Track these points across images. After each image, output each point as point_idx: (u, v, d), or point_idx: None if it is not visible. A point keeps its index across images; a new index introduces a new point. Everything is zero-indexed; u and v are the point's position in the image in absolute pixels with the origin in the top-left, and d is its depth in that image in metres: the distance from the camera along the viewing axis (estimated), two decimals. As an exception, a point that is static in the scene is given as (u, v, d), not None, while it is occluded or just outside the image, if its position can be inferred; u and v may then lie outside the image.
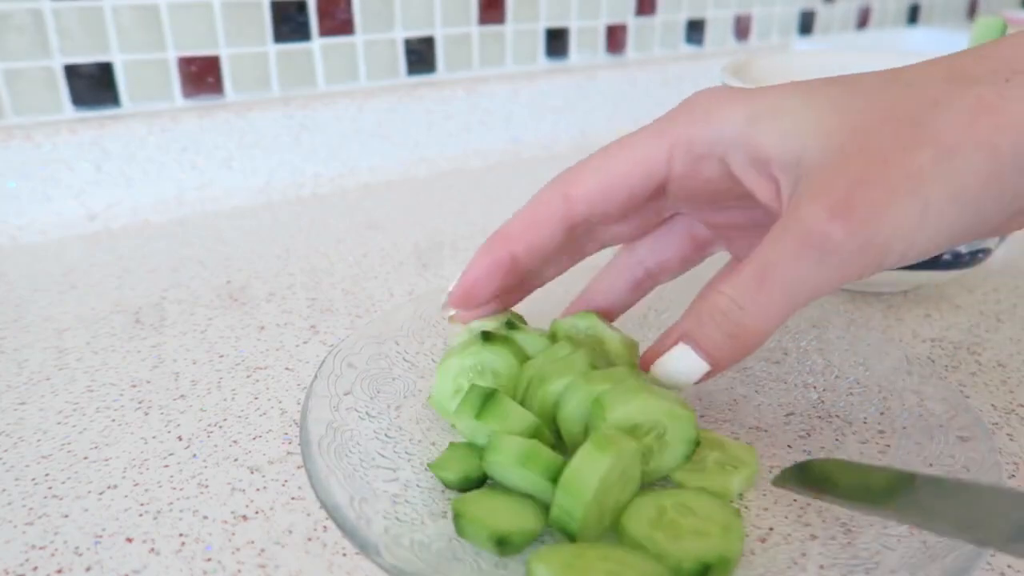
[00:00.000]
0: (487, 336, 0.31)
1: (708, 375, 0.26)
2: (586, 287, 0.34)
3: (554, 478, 0.26)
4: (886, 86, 0.24)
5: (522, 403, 0.30)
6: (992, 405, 0.35)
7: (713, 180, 0.27)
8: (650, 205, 0.30)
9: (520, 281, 0.31)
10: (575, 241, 0.31)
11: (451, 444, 0.30)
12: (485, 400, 0.28)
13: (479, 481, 0.28)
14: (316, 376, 0.31)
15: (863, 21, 1.02)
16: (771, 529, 0.28)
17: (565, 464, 0.26)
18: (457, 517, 0.26)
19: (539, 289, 0.33)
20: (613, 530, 0.26)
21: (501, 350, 0.31)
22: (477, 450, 0.29)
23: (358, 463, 0.29)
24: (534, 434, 0.28)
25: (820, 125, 0.24)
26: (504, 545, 0.25)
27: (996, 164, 0.22)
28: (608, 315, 0.33)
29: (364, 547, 0.24)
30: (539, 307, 0.36)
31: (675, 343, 0.26)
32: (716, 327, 0.25)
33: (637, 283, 0.33)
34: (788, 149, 0.24)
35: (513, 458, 0.26)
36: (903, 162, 0.23)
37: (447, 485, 0.29)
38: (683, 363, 0.26)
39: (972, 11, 1.16)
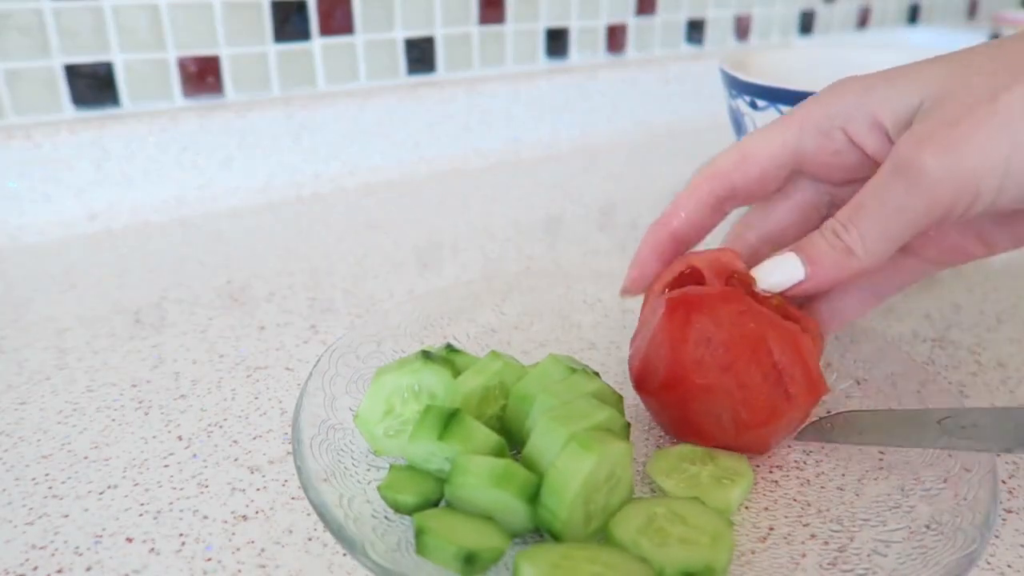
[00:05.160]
0: (427, 355, 0.30)
1: (803, 286, 0.29)
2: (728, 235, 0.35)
3: (529, 497, 0.25)
4: (992, 51, 0.27)
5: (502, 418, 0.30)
6: (992, 405, 0.35)
7: (841, 152, 0.30)
8: (788, 179, 0.32)
9: (676, 250, 0.34)
10: (719, 211, 0.33)
11: (393, 467, 0.28)
12: (448, 420, 0.27)
13: (435, 505, 0.27)
14: (311, 374, 0.31)
15: (863, 21, 1.02)
16: (771, 529, 0.28)
17: (539, 482, 0.25)
18: (420, 533, 0.24)
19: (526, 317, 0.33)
20: (603, 534, 0.26)
21: (441, 370, 0.30)
22: (426, 473, 0.28)
23: (351, 463, 0.29)
24: (498, 454, 0.27)
25: (925, 88, 0.27)
26: (472, 563, 0.24)
27: None
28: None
29: (351, 546, 0.24)
30: (529, 335, 0.35)
31: (784, 254, 0.29)
32: (821, 237, 0.28)
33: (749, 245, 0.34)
34: (898, 110, 0.28)
35: (486, 478, 0.25)
36: (993, 101, 0.25)
37: (400, 510, 0.27)
38: (785, 266, 0.29)
39: (972, 11, 1.16)
